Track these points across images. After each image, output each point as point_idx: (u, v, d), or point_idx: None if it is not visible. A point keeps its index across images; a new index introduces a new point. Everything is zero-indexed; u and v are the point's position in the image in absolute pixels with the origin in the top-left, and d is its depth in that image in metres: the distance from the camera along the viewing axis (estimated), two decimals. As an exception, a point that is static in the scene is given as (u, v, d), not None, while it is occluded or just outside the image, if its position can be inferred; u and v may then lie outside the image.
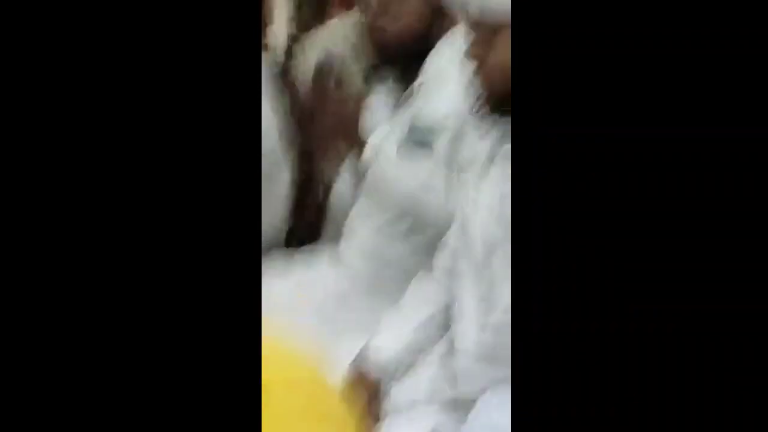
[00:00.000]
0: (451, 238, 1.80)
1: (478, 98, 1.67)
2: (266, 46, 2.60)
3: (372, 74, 1.94)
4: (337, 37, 1.94)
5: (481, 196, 1.72)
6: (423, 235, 2.01)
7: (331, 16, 2.61)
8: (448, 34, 2.03)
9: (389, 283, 2.04)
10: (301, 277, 2.14)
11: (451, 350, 1.69)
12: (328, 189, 2.41)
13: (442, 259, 1.83)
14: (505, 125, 1.66)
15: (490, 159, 1.74)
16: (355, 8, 2.20)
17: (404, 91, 2.07)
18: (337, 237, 2.24)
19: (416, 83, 2.04)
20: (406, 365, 1.76)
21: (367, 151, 1.94)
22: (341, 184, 2.30)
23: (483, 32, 1.64)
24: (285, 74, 2.10)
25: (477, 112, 1.68)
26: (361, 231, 2.13)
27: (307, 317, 1.98)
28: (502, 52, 1.60)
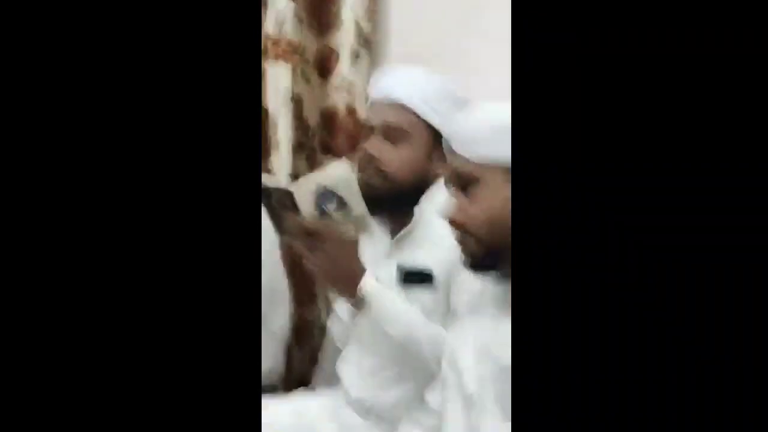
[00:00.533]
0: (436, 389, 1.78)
1: (463, 255, 1.67)
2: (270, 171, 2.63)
3: (368, 217, 1.95)
4: (335, 177, 1.94)
5: (464, 344, 1.71)
6: (415, 382, 1.98)
7: (334, 156, 2.65)
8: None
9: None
10: (296, 421, 2.11)
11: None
12: (321, 332, 2.40)
13: (429, 411, 1.80)
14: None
15: (475, 307, 1.74)
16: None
17: (397, 234, 2.08)
18: (329, 381, 2.22)
19: (410, 227, 2.05)
20: None
21: (362, 293, 1.93)
22: (334, 326, 2.29)
23: (462, 184, 1.65)
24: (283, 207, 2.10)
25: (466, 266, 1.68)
26: (352, 376, 2.10)
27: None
28: (485, 202, 1.62)
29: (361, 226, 1.93)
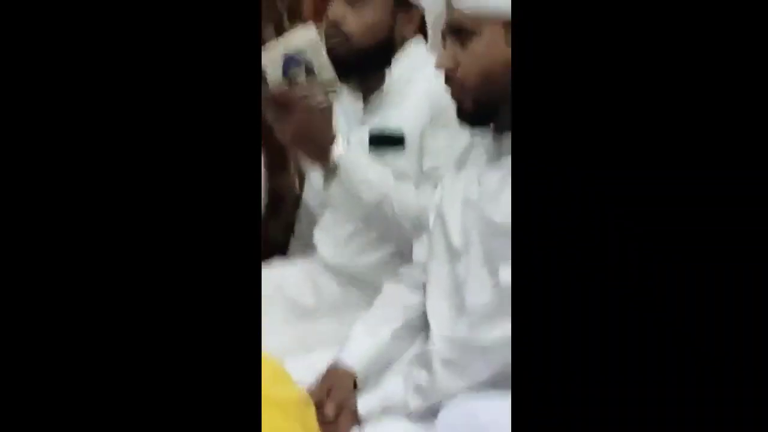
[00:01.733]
0: (422, 244, 1.80)
1: (455, 105, 1.67)
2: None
3: (336, 82, 1.93)
4: (301, 43, 1.92)
5: (451, 199, 1.71)
6: (391, 245, 1.99)
7: (301, 23, 2.61)
8: (412, 37, 2.04)
9: (358, 296, 2.03)
10: (272, 292, 2.12)
11: (420, 359, 1.67)
12: (295, 200, 2.39)
13: (413, 266, 1.82)
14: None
15: (462, 162, 1.75)
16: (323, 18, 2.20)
17: (369, 98, 2.07)
18: (304, 250, 2.23)
19: (382, 90, 2.04)
20: (375, 375, 1.74)
21: (334, 159, 1.92)
22: (308, 194, 2.29)
23: (459, 37, 1.64)
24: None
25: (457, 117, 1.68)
26: (328, 244, 2.11)
27: (277, 333, 1.96)
28: (480, 55, 1.61)
29: (330, 92, 1.91)
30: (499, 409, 1.41)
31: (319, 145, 1.92)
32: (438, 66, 1.67)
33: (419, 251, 1.82)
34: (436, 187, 1.82)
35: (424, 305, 1.74)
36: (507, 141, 1.63)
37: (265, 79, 1.88)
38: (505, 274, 1.54)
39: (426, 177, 1.95)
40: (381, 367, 1.75)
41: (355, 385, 1.71)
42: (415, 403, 1.63)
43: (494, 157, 1.66)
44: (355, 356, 1.75)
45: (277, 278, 2.14)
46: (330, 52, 1.93)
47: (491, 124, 1.67)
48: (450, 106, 1.70)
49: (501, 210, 1.59)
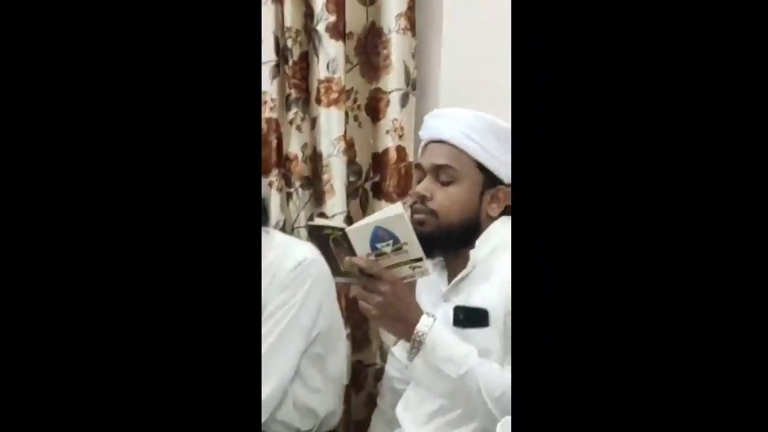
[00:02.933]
0: (506, 425, 1.77)
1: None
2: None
3: (423, 258, 1.95)
4: (390, 218, 1.96)
5: None
6: (475, 424, 1.97)
7: (386, 199, 2.67)
8: (498, 216, 2.07)
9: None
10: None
11: None
12: (378, 375, 2.39)
13: None
14: None
15: None
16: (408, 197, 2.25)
17: (454, 275, 2.08)
18: (387, 425, 2.21)
19: (466, 267, 2.06)
20: None
21: (418, 335, 1.92)
22: (391, 369, 2.28)
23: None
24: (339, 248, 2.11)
25: None
26: (411, 421, 2.10)
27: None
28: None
29: (416, 268, 1.93)
30: None
31: (404, 321, 1.93)
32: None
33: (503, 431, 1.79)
34: None
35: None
36: None
37: (354, 252, 1.91)
38: None
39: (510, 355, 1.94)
40: None
41: None
42: None
43: None
44: None
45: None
46: (416, 227, 1.97)
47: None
48: None
49: None
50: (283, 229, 2.66)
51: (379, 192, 2.72)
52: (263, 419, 2.31)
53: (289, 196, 2.66)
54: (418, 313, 1.93)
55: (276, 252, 2.37)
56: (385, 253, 1.90)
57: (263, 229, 2.40)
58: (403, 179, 2.67)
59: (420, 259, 1.92)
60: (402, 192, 2.65)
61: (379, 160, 2.71)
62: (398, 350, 2.15)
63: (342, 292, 2.49)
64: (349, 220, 2.56)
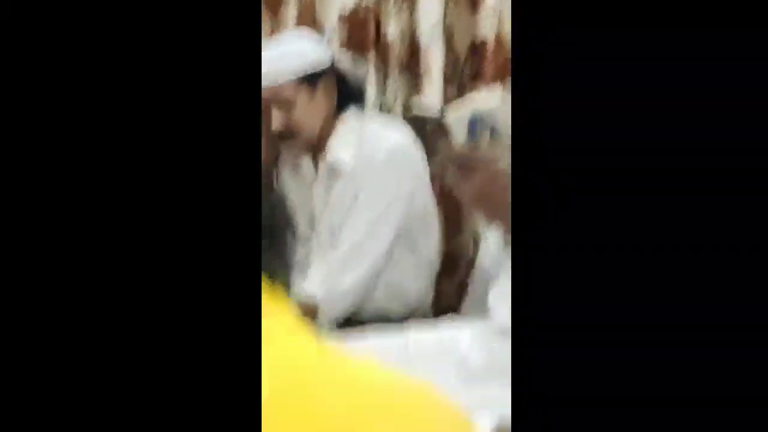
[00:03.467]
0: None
1: None
2: (421, 103, 2.64)
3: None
4: (488, 105, 1.92)
5: None
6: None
7: (481, 87, 2.63)
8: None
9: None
10: (442, 350, 2.12)
11: None
12: (470, 262, 2.39)
13: None
14: None
15: None
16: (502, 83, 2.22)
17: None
18: (478, 312, 2.22)
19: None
20: None
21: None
22: (484, 257, 2.28)
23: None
24: (436, 134, 2.09)
25: None
26: (503, 308, 2.09)
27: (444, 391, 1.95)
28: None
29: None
30: None
31: (499, 207, 1.91)
32: None
33: None
34: None
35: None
36: None
37: (451, 138, 1.89)
38: None
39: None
40: None
41: None
42: None
43: None
44: None
45: (448, 337, 2.14)
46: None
47: None
48: None
49: None
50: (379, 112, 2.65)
51: (476, 79, 2.68)
52: (356, 305, 2.34)
53: (385, 78, 2.64)
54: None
55: (369, 137, 2.37)
56: (481, 141, 1.87)
57: (357, 112, 2.39)
58: (501, 66, 2.62)
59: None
60: (500, 77, 2.61)
61: (476, 47, 2.66)
62: (492, 238, 2.14)
63: (436, 179, 2.48)
64: (445, 108, 2.53)
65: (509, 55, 2.55)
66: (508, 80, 2.16)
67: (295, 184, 2.45)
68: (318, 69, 2.33)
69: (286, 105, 2.30)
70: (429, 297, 2.46)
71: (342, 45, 2.68)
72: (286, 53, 2.33)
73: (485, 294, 2.17)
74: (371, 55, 2.61)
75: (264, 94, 2.24)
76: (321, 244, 2.35)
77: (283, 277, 0.91)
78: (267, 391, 0.78)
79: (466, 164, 1.89)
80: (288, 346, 0.87)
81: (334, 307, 2.30)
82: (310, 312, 2.28)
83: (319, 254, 2.34)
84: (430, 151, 1.94)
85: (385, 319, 2.33)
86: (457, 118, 1.88)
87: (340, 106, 2.37)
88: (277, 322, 0.90)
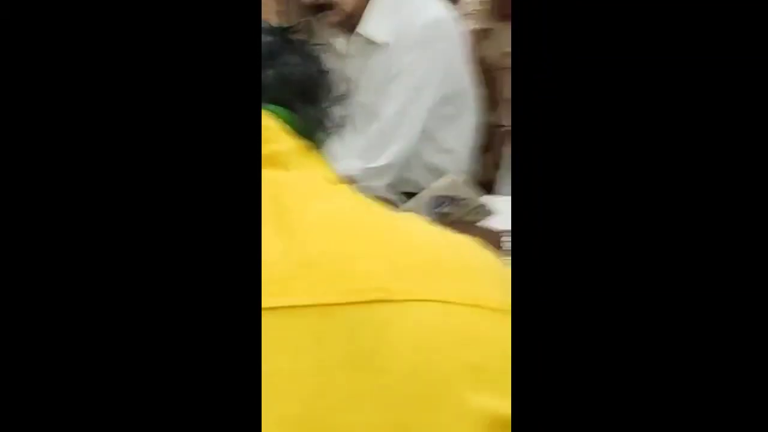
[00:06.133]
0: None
1: None
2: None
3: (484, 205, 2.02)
4: (444, 187, 2.00)
5: None
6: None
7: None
8: None
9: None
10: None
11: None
12: (506, 138, 2.38)
13: None
14: None
15: None
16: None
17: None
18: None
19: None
20: None
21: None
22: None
23: None
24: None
25: None
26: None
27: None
28: None
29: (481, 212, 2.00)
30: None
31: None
32: None
33: None
34: None
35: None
36: None
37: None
38: None
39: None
40: None
41: None
42: None
43: None
44: None
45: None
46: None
47: None
48: None
49: None
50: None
51: None
52: (394, 180, 2.36)
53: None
54: None
55: (408, 8, 2.33)
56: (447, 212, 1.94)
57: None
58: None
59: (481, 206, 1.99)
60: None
61: None
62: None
63: (475, 52, 2.45)
64: None
65: None
66: None
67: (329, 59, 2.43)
68: None
69: None
70: (468, 172, 2.46)
71: None
72: None
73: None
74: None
75: None
76: (357, 119, 2.35)
77: (319, 134, 0.91)
78: (309, 244, 0.80)
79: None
80: (334, 197, 0.88)
81: (371, 184, 2.32)
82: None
83: (355, 130, 2.34)
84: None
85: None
86: (419, 203, 1.99)
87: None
88: (318, 175, 0.92)
